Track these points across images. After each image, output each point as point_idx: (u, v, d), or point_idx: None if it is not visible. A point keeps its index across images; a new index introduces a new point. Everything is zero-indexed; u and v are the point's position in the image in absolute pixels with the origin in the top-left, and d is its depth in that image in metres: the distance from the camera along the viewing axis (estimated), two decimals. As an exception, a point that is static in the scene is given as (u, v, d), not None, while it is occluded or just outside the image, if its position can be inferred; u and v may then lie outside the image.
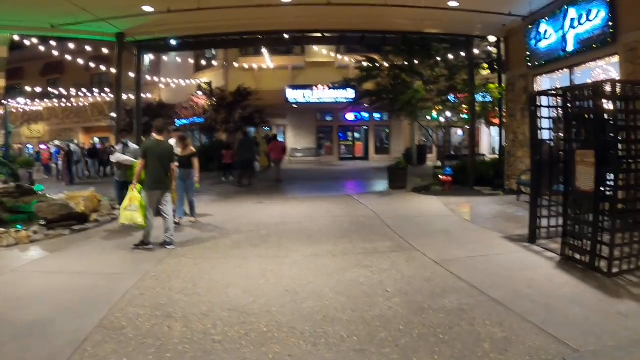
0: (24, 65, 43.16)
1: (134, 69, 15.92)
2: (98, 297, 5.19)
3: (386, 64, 15.58)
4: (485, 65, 16.99)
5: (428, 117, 16.63)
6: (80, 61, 21.72)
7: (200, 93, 26.06)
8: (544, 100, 7.48)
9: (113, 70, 23.07)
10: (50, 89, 39.02)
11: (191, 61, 29.09)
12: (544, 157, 7.55)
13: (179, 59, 31.89)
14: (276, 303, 4.90)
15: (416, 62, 15.11)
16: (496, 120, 18.55)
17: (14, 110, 43.24)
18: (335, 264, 6.33)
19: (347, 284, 5.46)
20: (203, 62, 30.30)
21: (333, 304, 4.85)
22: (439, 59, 14.98)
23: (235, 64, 25.55)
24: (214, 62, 29.33)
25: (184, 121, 29.19)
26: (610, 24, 9.37)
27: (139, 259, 6.89)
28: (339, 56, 26.18)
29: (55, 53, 20.06)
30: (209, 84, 25.92)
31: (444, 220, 9.57)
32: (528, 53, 12.72)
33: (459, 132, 31.37)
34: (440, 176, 14.81)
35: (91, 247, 7.76)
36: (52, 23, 13.02)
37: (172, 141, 10.29)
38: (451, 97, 15.72)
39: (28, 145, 44.27)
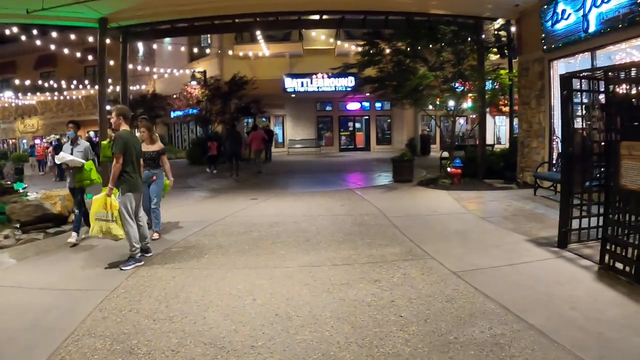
0: (17, 59, 42.51)
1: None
2: (55, 322, 4.32)
3: (388, 50, 14.56)
4: (495, 50, 15.93)
5: (432, 106, 15.60)
6: (77, 53, 20.65)
7: (194, 83, 24.99)
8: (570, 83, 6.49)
9: (112, 62, 22.42)
10: (43, 82, 37.82)
11: (184, 50, 28.12)
12: (575, 149, 6.54)
13: (171, 48, 31.00)
14: (263, 334, 3.95)
15: (420, 47, 14.06)
16: (506, 109, 17.59)
17: (7, 105, 42.59)
18: (337, 277, 5.38)
19: (352, 306, 4.50)
20: (197, 51, 29.27)
21: (334, 335, 3.89)
22: (444, 44, 13.95)
23: (230, 52, 24.38)
24: (209, 51, 28.25)
25: (179, 113, 28.21)
26: (640, 0, 8.37)
27: (110, 271, 5.95)
28: (339, 42, 25.02)
29: (52, 47, 19.21)
30: (203, 73, 24.85)
31: (458, 219, 8.61)
32: (543, 35, 11.71)
33: (460, 121, 30.42)
34: (448, 168, 13.89)
35: (62, 255, 6.87)
36: (28, 8, 11.99)
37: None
38: (456, 85, 14.79)
39: (24, 140, 43.59)
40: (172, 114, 29.56)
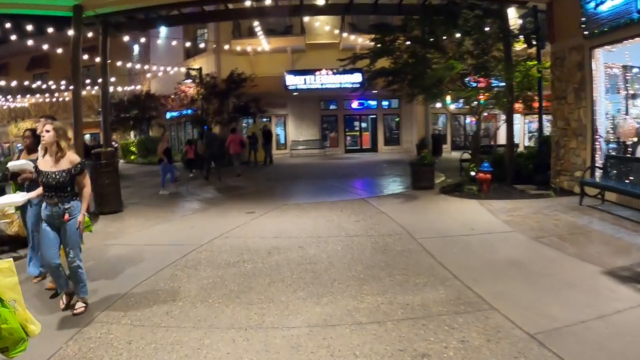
0: (10, 60, 41.12)
1: (121, 54, 13.25)
2: None
3: (403, 39, 12.85)
4: (522, 40, 14.15)
5: (453, 103, 13.82)
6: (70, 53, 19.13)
7: (188, 81, 23.26)
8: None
9: (98, 60, 20.71)
10: (36, 84, 36.21)
11: (180, 47, 26.43)
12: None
13: (167, 45, 29.30)
14: None
15: (439, 35, 12.32)
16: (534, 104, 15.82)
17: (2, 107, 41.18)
18: (365, 348, 3.64)
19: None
20: (193, 48, 27.45)
21: None
22: (468, 31, 12.19)
23: (227, 47, 22.57)
24: (205, 46, 26.51)
25: (174, 113, 26.54)
26: None
27: (55, 322, 4.30)
28: (345, 34, 23.17)
29: (45, 47, 18.03)
30: (199, 70, 23.12)
31: (504, 240, 6.85)
32: (584, 19, 9.97)
33: (468, 119, 28.77)
34: (472, 172, 12.18)
35: None
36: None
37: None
38: (469, 80, 13.15)
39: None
40: (168, 115, 27.88)
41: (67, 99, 37.13)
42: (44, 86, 32.62)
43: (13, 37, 16.95)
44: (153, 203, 12.12)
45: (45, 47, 18.48)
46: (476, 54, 12.35)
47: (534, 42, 14.32)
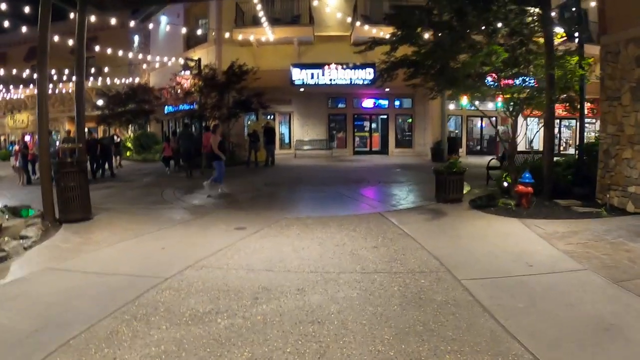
0: (8, 50, 39.68)
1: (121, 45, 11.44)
2: None
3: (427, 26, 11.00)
4: (561, 33, 12.21)
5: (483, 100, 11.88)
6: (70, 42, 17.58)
7: (185, 72, 21.38)
8: None
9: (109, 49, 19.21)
10: (33, 75, 34.57)
11: (180, 38, 24.68)
12: None
13: (168, 36, 27.59)
14: None
15: (472, 18, 10.44)
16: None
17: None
18: None
19: None
20: (193, 38, 25.74)
21: None
22: (504, 17, 10.30)
23: (228, 34, 20.53)
24: (203, 35, 24.70)
25: (171, 108, 24.70)
26: None
27: None
28: (358, 23, 21.11)
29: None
30: (197, 61, 21.21)
31: (579, 286, 4.91)
32: (647, 5, 8.14)
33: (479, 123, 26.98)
34: (505, 183, 10.35)
35: None
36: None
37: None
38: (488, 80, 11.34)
39: (14, 137, 40.74)
40: (165, 110, 26.05)
41: (64, 90, 35.59)
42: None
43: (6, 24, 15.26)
44: (130, 209, 10.32)
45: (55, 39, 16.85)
46: (512, 46, 10.46)
47: (576, 35, 12.40)
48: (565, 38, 12.53)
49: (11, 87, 35.81)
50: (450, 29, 10.47)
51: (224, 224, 8.24)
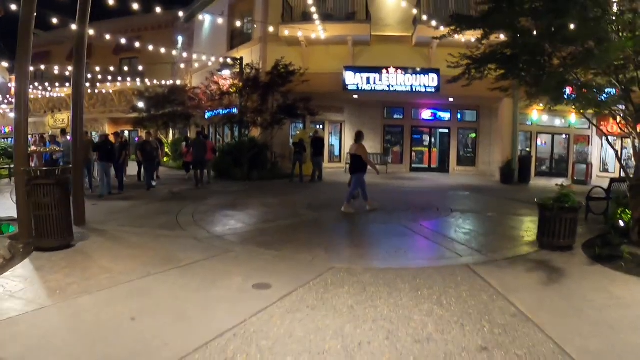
0: (52, 48, 39.00)
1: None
2: None
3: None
4: None
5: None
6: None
7: (225, 72, 18.96)
8: None
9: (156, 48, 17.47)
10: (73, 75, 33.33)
11: (219, 36, 22.58)
12: None
13: (212, 35, 25.69)
14: None
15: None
16: None
17: (39, 97, 38.99)
18: None
19: None
20: (239, 37, 23.57)
21: None
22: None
23: (272, 29, 17.93)
24: (250, 34, 22.42)
25: (210, 112, 22.46)
26: None
27: None
28: (424, 17, 18.06)
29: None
30: (239, 59, 18.80)
31: None
32: None
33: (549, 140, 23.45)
34: (621, 222, 7.40)
35: None
36: None
37: None
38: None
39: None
40: (207, 114, 23.85)
41: (103, 91, 34.39)
42: (89, 77, 30.11)
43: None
44: (127, 235, 7.85)
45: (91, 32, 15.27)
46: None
47: None
48: None
49: (56, 85, 35.02)
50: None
51: (240, 275, 5.57)
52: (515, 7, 7.50)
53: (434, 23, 15.99)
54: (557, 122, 23.36)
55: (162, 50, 19.32)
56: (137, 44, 17.93)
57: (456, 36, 9.19)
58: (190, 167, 17.22)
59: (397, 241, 7.78)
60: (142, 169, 15.76)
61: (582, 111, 8.72)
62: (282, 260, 6.35)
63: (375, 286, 5.25)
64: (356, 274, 5.70)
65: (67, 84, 32.95)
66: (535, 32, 7.71)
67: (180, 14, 25.47)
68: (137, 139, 28.52)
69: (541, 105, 10.16)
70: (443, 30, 10.50)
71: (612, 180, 10.36)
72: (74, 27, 9.20)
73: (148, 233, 8.09)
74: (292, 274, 5.65)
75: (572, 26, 7.07)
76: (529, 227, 9.17)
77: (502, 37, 8.52)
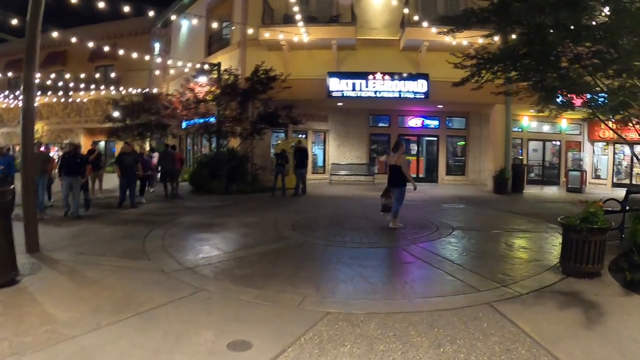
0: (22, 57, 37.31)
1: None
2: None
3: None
4: None
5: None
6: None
7: (201, 79, 17.73)
8: None
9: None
10: (49, 82, 31.76)
11: (196, 41, 21.42)
12: None
13: (189, 41, 24.56)
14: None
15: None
16: None
17: (12, 107, 37.35)
18: None
19: None
20: (216, 42, 22.47)
21: None
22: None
23: (251, 31, 16.81)
24: (228, 38, 21.30)
25: (186, 122, 21.25)
26: None
27: None
28: (416, 17, 17.11)
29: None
30: (216, 65, 17.60)
31: None
32: None
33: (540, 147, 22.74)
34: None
35: None
36: None
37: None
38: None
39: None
40: (184, 124, 22.61)
41: (78, 100, 32.91)
42: (59, 84, 28.82)
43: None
44: (84, 267, 6.62)
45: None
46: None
47: None
48: None
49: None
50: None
51: (212, 327, 4.41)
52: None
53: (425, 24, 15.08)
54: (547, 128, 22.68)
55: (137, 56, 18.18)
56: (111, 50, 16.95)
57: (447, 39, 8.32)
58: (150, 181, 16.23)
59: (400, 271, 6.69)
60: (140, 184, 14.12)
61: (600, 117, 7.79)
62: (264, 302, 5.19)
63: (384, 342, 4.12)
64: (358, 322, 4.56)
65: (39, 92, 31.48)
66: (552, 30, 6.74)
67: (156, 18, 24.25)
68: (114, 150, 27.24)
69: (547, 110, 9.18)
70: (443, 29, 9.63)
71: (630, 191, 9.42)
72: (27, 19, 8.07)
73: (108, 263, 6.87)
74: (278, 324, 4.51)
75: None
76: (541, 247, 8.24)
77: (513, 36, 7.58)
